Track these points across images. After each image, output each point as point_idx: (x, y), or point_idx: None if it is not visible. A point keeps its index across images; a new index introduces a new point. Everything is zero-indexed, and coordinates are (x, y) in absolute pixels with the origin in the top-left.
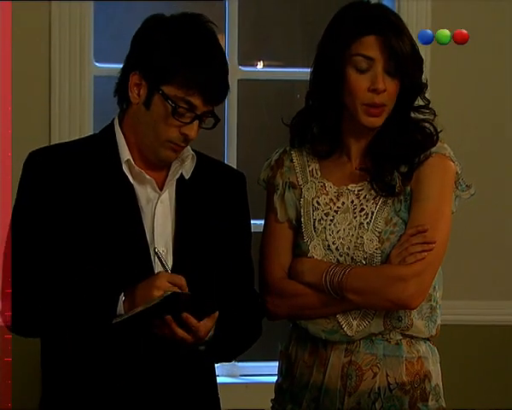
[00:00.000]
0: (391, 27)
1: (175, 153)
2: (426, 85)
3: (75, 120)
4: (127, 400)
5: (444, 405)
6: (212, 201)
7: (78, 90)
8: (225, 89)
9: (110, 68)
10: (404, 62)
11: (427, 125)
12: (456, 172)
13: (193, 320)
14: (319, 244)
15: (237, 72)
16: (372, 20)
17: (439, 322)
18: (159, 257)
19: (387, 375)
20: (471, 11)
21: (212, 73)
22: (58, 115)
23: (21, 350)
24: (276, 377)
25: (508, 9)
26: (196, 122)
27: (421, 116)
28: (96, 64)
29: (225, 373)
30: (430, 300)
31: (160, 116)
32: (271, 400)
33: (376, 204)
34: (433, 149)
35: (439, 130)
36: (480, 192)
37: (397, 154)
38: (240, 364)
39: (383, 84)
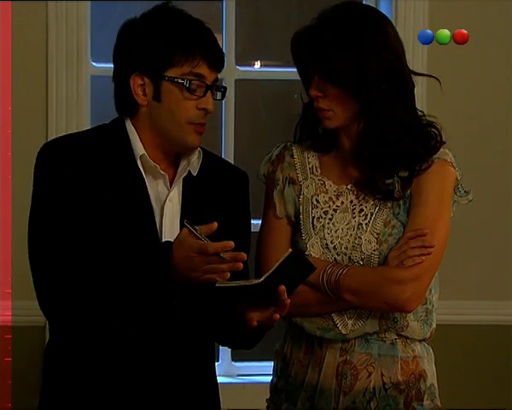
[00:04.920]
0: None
1: (199, 135)
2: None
3: (72, 120)
4: (128, 400)
5: (439, 405)
6: (215, 199)
7: (76, 89)
8: (222, 52)
9: (107, 68)
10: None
11: (433, 130)
12: (456, 178)
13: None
14: (317, 243)
15: (234, 72)
16: (300, 35)
17: (434, 326)
18: (191, 228)
19: (382, 374)
20: (469, 11)
21: (206, 36)
22: (55, 115)
23: (21, 350)
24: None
25: (508, 9)
26: (210, 94)
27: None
28: (93, 64)
29: (223, 373)
30: (426, 303)
31: (174, 100)
32: (267, 399)
33: (376, 206)
34: (435, 156)
35: (443, 139)
36: (477, 192)
37: (386, 162)
38: (237, 364)
39: (316, 92)
